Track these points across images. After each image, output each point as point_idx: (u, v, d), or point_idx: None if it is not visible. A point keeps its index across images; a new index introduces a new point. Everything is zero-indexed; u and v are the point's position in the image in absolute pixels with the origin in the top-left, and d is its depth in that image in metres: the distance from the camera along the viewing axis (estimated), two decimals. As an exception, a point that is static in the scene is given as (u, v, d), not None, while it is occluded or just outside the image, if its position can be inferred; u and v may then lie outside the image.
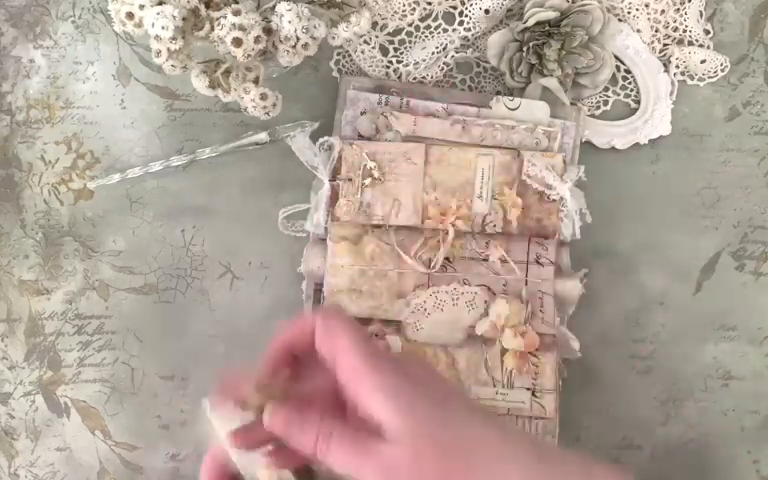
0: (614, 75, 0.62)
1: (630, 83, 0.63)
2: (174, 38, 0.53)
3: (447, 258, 0.59)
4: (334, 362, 0.42)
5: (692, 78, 0.63)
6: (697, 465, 0.61)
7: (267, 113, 0.57)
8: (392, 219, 0.59)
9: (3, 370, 0.62)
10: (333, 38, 0.58)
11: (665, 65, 0.62)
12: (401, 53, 0.62)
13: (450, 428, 0.40)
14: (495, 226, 0.59)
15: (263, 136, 0.61)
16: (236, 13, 0.53)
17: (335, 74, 0.62)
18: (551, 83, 0.60)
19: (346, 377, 0.41)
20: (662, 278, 0.62)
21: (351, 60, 0.62)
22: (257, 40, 0.54)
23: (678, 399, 0.61)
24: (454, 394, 0.43)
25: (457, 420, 0.40)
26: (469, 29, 0.62)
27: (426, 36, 0.63)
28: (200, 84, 0.57)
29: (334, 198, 0.59)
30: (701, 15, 0.63)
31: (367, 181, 0.59)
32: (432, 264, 0.59)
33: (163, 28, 0.53)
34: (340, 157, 0.59)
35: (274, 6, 0.55)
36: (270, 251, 0.62)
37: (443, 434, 0.39)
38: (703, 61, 0.62)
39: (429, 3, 0.63)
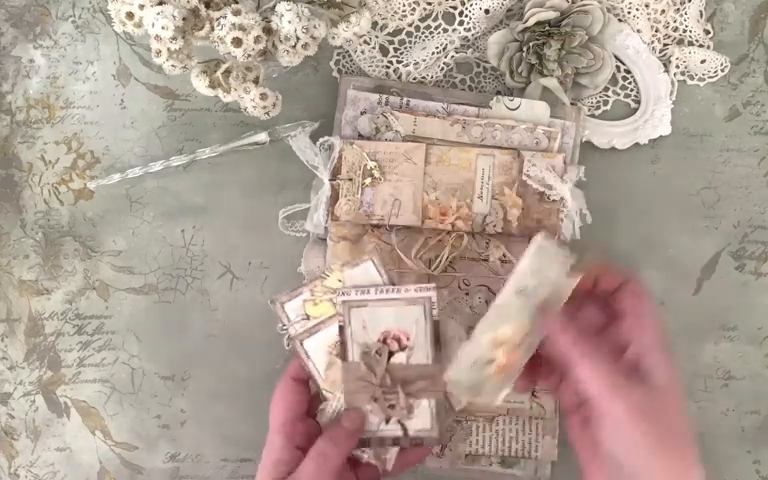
0: (614, 75, 0.62)
1: (630, 83, 0.63)
2: (174, 38, 0.53)
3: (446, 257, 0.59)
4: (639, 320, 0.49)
5: (692, 78, 0.62)
6: (697, 465, 0.61)
7: (267, 113, 0.57)
8: (392, 219, 0.59)
9: (3, 370, 0.62)
10: (333, 38, 0.58)
11: (665, 65, 0.62)
12: (401, 53, 0.62)
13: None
14: (495, 226, 0.59)
15: (263, 136, 0.61)
16: (236, 13, 0.53)
17: (335, 74, 0.62)
18: (551, 83, 0.60)
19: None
20: (662, 278, 0.62)
21: (351, 60, 0.62)
22: (257, 40, 0.54)
23: (678, 399, 0.61)
24: None
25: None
26: (469, 29, 0.62)
27: (426, 36, 0.63)
28: (200, 84, 0.57)
29: (334, 198, 0.59)
30: (701, 15, 0.63)
31: (367, 181, 0.59)
32: (434, 267, 0.59)
33: (163, 28, 0.53)
34: (340, 157, 0.59)
35: (274, 6, 0.55)
36: (270, 251, 0.62)
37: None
38: (703, 61, 0.62)
39: (429, 3, 0.62)
